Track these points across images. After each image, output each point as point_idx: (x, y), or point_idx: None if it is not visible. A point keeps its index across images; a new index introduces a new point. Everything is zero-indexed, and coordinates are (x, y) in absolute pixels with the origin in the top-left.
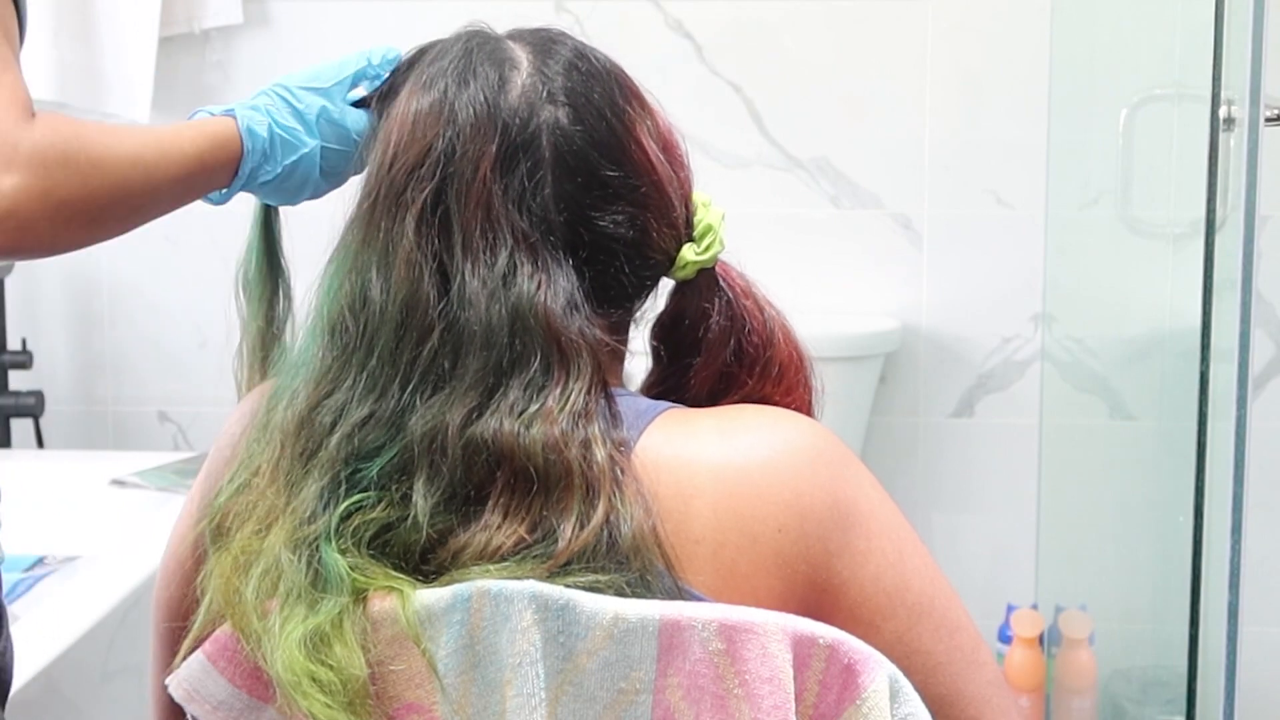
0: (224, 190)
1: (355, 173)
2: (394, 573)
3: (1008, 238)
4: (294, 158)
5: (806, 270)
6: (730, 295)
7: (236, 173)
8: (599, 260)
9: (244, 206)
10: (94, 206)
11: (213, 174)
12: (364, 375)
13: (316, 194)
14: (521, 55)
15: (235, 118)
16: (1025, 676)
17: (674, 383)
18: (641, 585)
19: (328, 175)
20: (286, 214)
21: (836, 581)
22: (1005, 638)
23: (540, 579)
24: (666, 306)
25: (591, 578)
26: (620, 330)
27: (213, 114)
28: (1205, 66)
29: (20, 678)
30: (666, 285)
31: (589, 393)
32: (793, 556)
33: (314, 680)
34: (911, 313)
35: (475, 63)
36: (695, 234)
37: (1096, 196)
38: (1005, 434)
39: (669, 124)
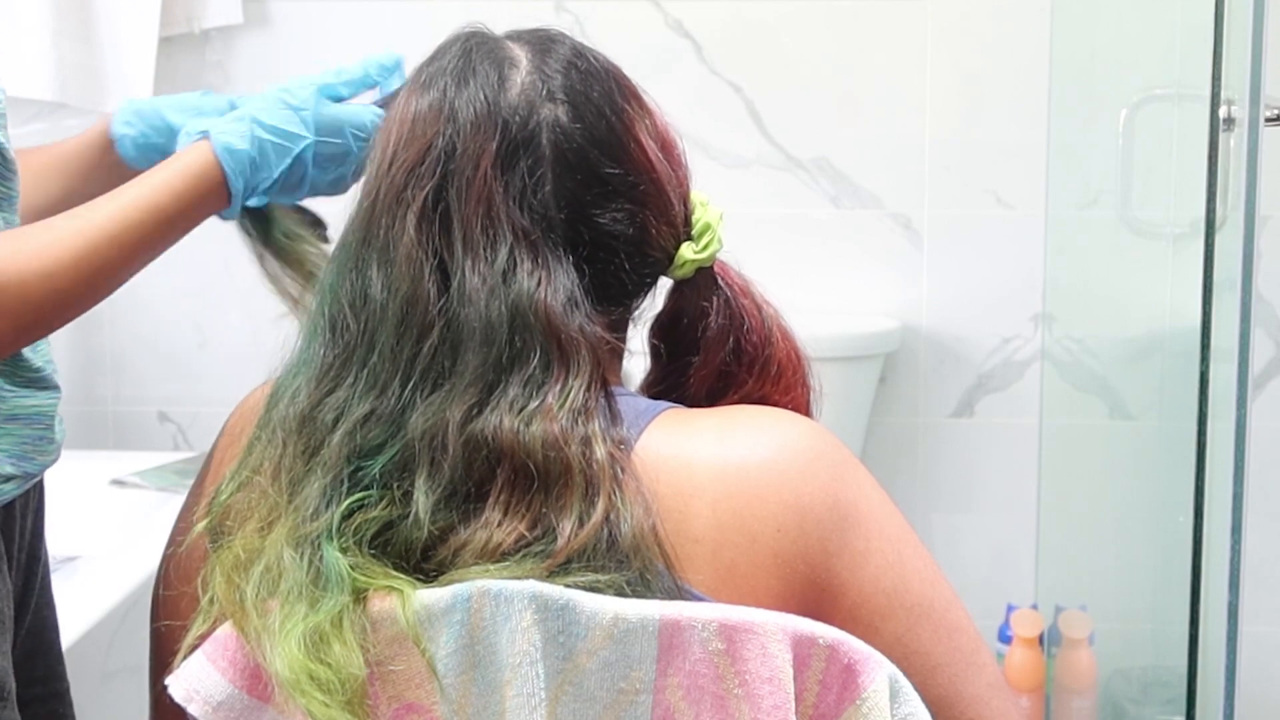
0: (226, 211)
1: (356, 178)
2: (394, 572)
3: (1008, 238)
4: (288, 160)
5: (806, 270)
6: (729, 294)
7: (230, 193)
8: (599, 258)
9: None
10: (25, 335)
11: (195, 209)
12: (365, 372)
13: (316, 193)
14: (520, 54)
15: (210, 139)
16: (1025, 676)
17: (673, 382)
18: (641, 584)
19: (326, 171)
20: None
21: (835, 582)
22: (1005, 638)
23: (540, 578)
24: (665, 305)
25: (591, 577)
26: (619, 328)
27: (201, 135)
28: (1205, 66)
29: None
30: (664, 284)
31: (589, 390)
32: (792, 557)
33: (312, 679)
34: (911, 313)
35: (474, 62)
36: (694, 233)
37: (1096, 196)
38: (1005, 434)
39: (666, 123)
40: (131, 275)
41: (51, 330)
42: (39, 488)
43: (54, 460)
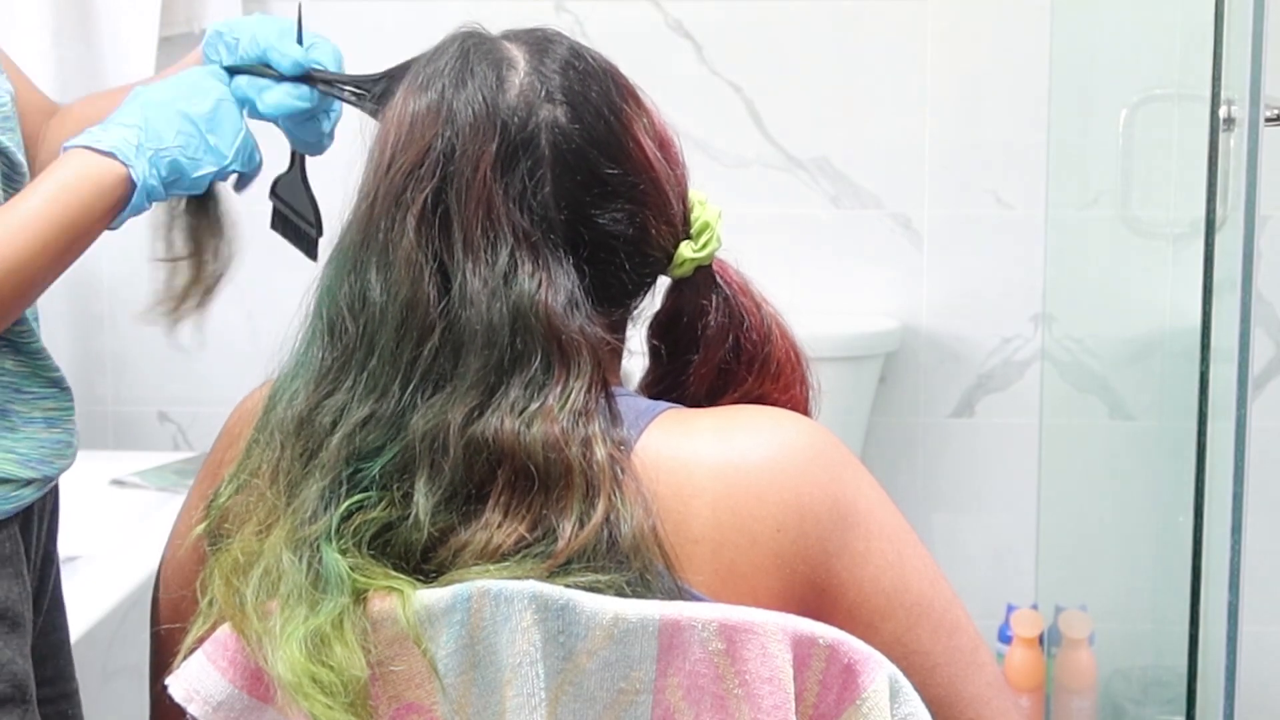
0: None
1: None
2: (394, 573)
3: (1008, 238)
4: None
5: (806, 270)
6: (728, 292)
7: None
8: (599, 258)
9: (238, 218)
10: None
11: (91, 202)
12: (364, 375)
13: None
14: (518, 55)
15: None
16: (1025, 676)
17: (672, 381)
18: (641, 585)
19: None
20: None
21: (835, 582)
22: (1005, 638)
23: (540, 578)
24: (664, 304)
25: (591, 577)
26: (619, 329)
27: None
28: (1205, 66)
29: None
30: (663, 283)
31: (589, 391)
32: (791, 556)
33: (315, 681)
34: (911, 313)
35: (472, 63)
36: (692, 231)
37: (1096, 196)
38: (1005, 434)
39: (664, 122)
40: (52, 277)
41: None
42: (54, 490)
43: (70, 464)
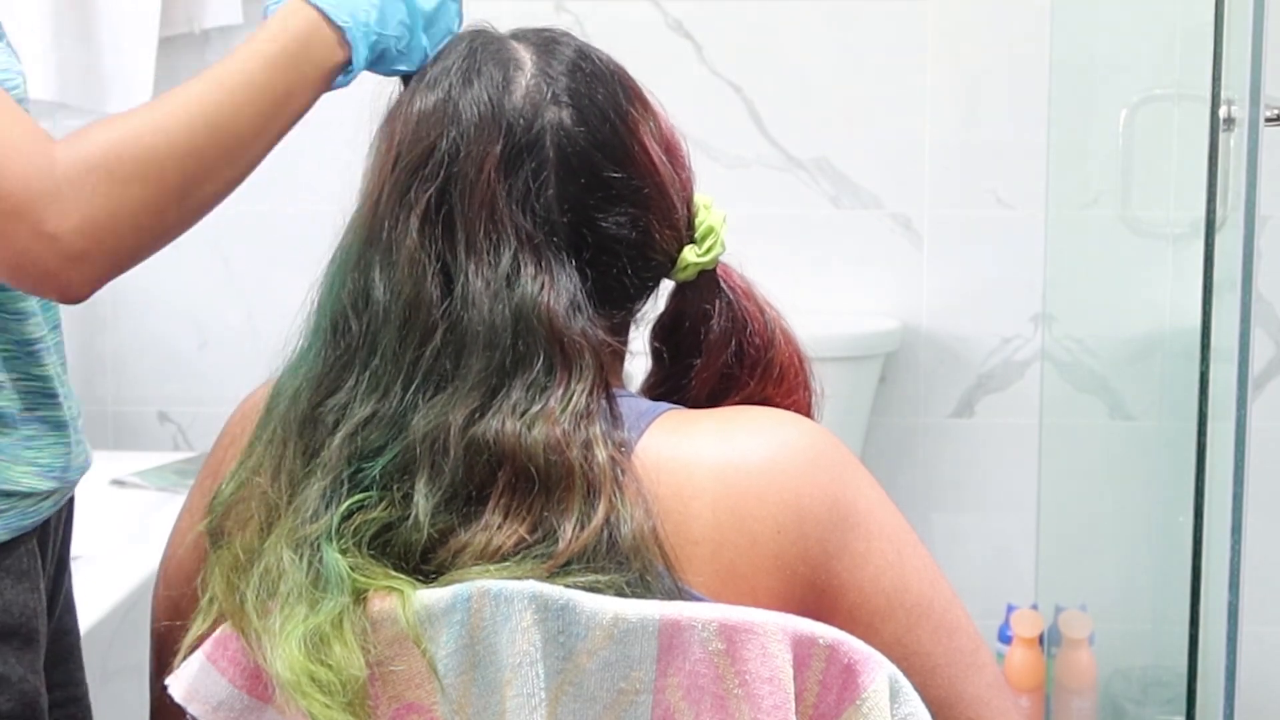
0: (347, 70)
1: None
2: (394, 573)
3: (1008, 238)
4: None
5: (806, 270)
6: (731, 296)
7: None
8: (602, 261)
9: (237, 217)
10: (173, 195)
11: (305, 67)
12: (367, 375)
13: None
14: (525, 55)
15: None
16: (1025, 676)
17: (674, 384)
18: (641, 585)
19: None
20: (288, 214)
21: (835, 583)
22: (1005, 638)
23: (540, 579)
24: (667, 307)
25: (591, 578)
26: (621, 331)
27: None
28: (1205, 66)
29: None
30: (666, 286)
31: (591, 394)
32: (791, 557)
33: (313, 680)
34: (911, 313)
35: (479, 62)
36: (696, 235)
37: (1096, 196)
38: (1005, 434)
39: (671, 125)
40: (260, 157)
41: (193, 213)
42: (70, 497)
43: (88, 467)
